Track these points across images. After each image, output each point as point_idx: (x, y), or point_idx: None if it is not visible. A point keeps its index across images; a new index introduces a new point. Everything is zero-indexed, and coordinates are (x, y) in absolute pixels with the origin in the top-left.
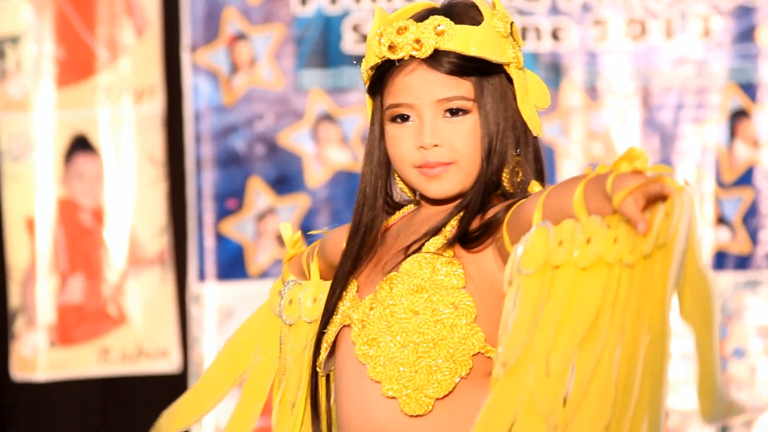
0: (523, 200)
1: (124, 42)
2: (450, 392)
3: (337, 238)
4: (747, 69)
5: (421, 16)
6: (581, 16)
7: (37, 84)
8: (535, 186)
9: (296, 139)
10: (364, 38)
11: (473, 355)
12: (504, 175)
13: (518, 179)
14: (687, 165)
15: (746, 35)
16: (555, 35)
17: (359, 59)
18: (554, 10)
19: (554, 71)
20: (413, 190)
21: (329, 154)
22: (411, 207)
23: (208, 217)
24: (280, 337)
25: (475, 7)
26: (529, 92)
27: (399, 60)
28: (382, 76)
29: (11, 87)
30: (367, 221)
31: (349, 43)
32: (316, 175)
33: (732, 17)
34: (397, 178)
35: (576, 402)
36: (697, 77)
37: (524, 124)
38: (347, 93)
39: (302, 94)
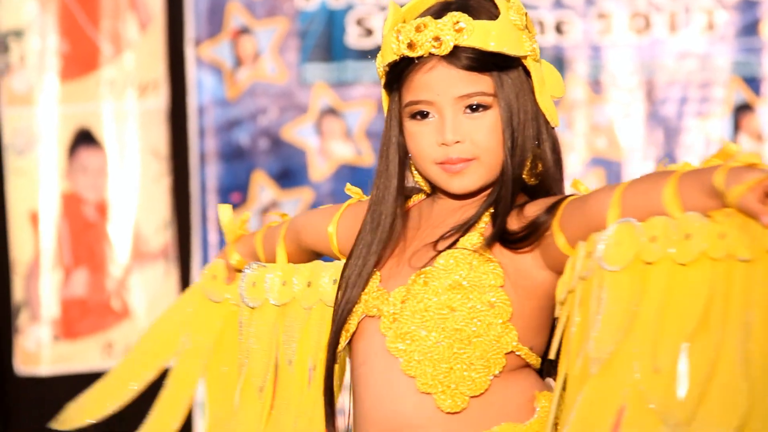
0: (573, 197)
1: (127, 36)
2: (485, 390)
3: (316, 224)
4: (751, 63)
5: (438, 12)
6: (585, 9)
7: (41, 78)
8: (579, 185)
9: (300, 133)
10: (368, 32)
11: (506, 354)
12: (525, 168)
13: (538, 171)
14: (691, 159)
15: (750, 29)
16: (559, 29)
17: (374, 53)
18: (558, 4)
19: (558, 65)
20: (430, 184)
21: (333, 148)
22: (421, 195)
23: (212, 211)
24: (240, 320)
25: (491, 1)
26: (546, 82)
27: (418, 57)
28: (401, 73)
29: (15, 81)
30: (386, 216)
31: (352, 37)
32: (319, 169)
33: (736, 11)
34: (415, 173)
35: (696, 398)
36: (701, 71)
37: (542, 115)
38: (351, 87)
39: (306, 87)
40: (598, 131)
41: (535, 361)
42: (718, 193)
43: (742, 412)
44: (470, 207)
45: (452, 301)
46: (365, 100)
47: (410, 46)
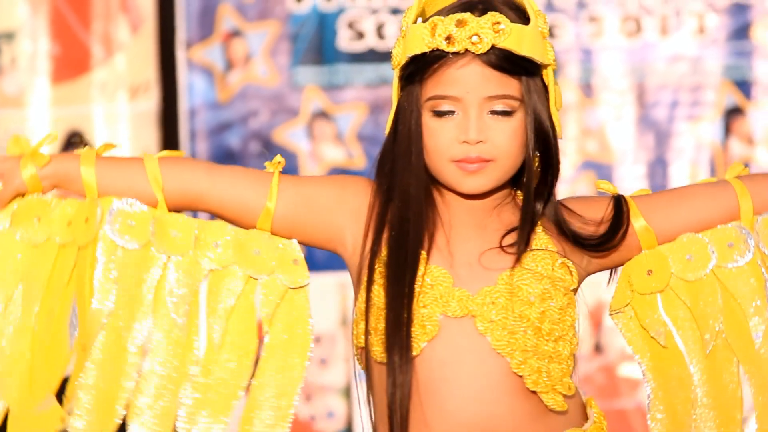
0: (636, 198)
1: (119, 39)
2: (575, 393)
3: (239, 194)
4: (742, 66)
5: (465, 9)
6: (576, 12)
7: (32, 80)
8: (603, 184)
9: (291, 136)
10: (360, 35)
11: (574, 355)
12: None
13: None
14: (682, 162)
15: (741, 32)
16: (550, 32)
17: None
18: (549, 7)
19: None
20: (440, 181)
21: (324, 151)
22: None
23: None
24: (99, 255)
25: (517, 4)
26: (556, 94)
27: (454, 53)
28: (428, 65)
29: (6, 83)
30: (416, 212)
31: (344, 40)
32: (311, 172)
33: (727, 14)
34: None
35: None
36: (692, 74)
37: (554, 125)
38: (342, 90)
39: (297, 91)
40: (589, 134)
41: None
42: None
43: None
44: (504, 208)
45: (544, 303)
46: (356, 104)
47: (448, 39)
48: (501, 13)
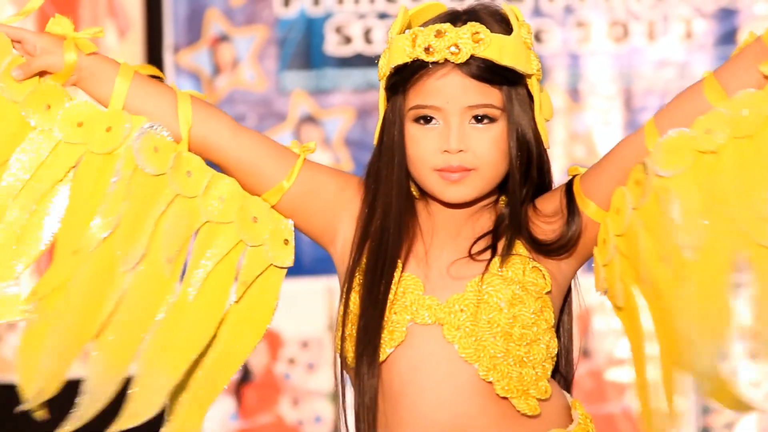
0: (578, 174)
1: (106, 43)
2: (550, 396)
3: (263, 163)
4: None
5: (452, 20)
6: (564, 17)
7: None
8: (578, 168)
9: (279, 141)
10: (347, 40)
11: (551, 358)
12: (531, 182)
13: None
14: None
15: (728, 38)
16: (537, 37)
17: (378, 58)
18: (537, 12)
19: None
20: (420, 190)
21: (312, 156)
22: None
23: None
24: (118, 169)
25: (503, 15)
26: (542, 103)
27: (433, 63)
28: (410, 76)
29: None
30: (401, 214)
31: (331, 45)
32: None
33: (714, 19)
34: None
35: None
36: (680, 79)
37: (539, 135)
38: (330, 95)
39: (285, 95)
40: (576, 139)
41: (553, 366)
42: (766, 52)
43: None
44: (481, 214)
45: (514, 308)
46: (344, 108)
47: (427, 50)
48: (483, 23)
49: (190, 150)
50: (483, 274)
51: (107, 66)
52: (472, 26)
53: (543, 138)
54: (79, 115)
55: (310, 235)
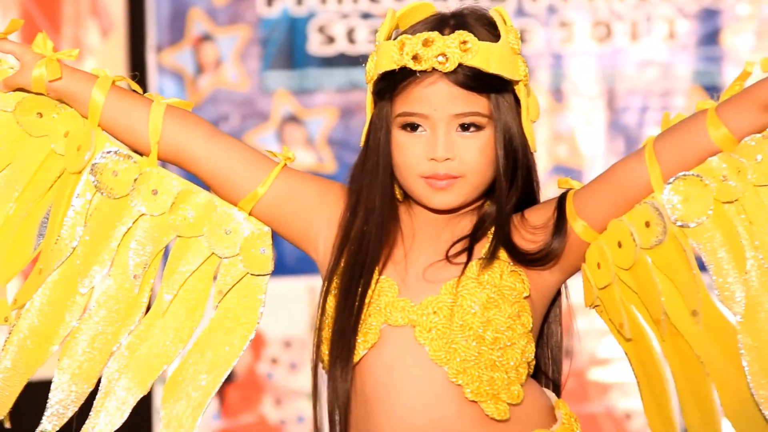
0: (572, 190)
1: (89, 42)
2: (522, 401)
3: (235, 170)
4: (711, 72)
5: (437, 26)
6: (547, 18)
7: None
8: (570, 181)
9: (262, 141)
10: (330, 40)
11: (528, 363)
12: (517, 189)
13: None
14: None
15: (711, 38)
16: (520, 37)
17: (365, 59)
18: (520, 12)
19: None
20: (405, 195)
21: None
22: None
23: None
24: (78, 194)
25: (490, 20)
26: (529, 107)
27: (420, 71)
28: (397, 83)
29: None
30: (382, 218)
31: (314, 45)
32: None
33: (697, 20)
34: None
35: None
36: (662, 80)
37: (525, 139)
38: (313, 94)
39: (268, 95)
40: (559, 139)
41: (533, 370)
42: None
43: None
44: (461, 218)
45: (488, 311)
46: (327, 108)
47: (415, 58)
48: (471, 30)
49: (164, 160)
50: (459, 277)
51: (84, 83)
52: (460, 35)
53: (530, 142)
54: (66, 123)
55: (291, 241)
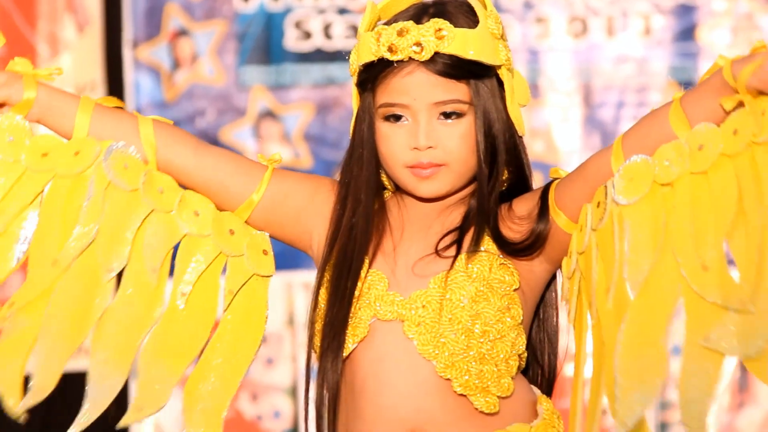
0: (557, 180)
1: (65, 38)
2: (511, 393)
3: (229, 181)
4: (687, 67)
5: (417, 15)
6: (523, 13)
7: None
8: (559, 170)
9: (238, 136)
10: (307, 35)
11: (518, 355)
12: (501, 175)
13: (504, 178)
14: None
15: (686, 34)
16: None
17: (342, 54)
18: (496, 7)
19: None
20: (395, 185)
21: (271, 151)
22: (389, 193)
23: None
24: (91, 183)
25: (469, 7)
26: (515, 91)
27: (398, 61)
28: (377, 74)
29: None
30: (368, 211)
31: (291, 40)
32: None
33: (672, 15)
34: (381, 172)
35: (753, 277)
36: (638, 75)
37: (511, 123)
38: (289, 90)
39: (244, 90)
40: (535, 135)
41: (524, 362)
42: (729, 88)
43: None
44: (452, 209)
45: (477, 305)
46: (303, 103)
47: (390, 49)
48: (448, 18)
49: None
50: (448, 271)
51: (67, 100)
52: (435, 23)
53: (517, 125)
54: (44, 146)
55: (287, 242)
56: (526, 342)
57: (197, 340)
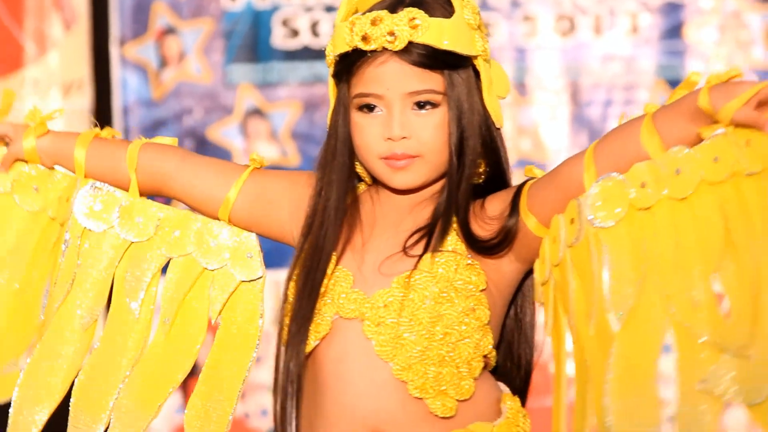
0: (531, 181)
1: (52, 36)
2: (471, 396)
3: (205, 183)
4: (675, 66)
5: (393, 5)
6: (510, 11)
7: None
8: (534, 170)
9: (225, 134)
10: (294, 33)
11: (483, 356)
12: (475, 167)
13: (483, 170)
14: None
15: (674, 32)
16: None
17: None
18: (483, 6)
19: None
20: (372, 177)
21: (258, 149)
22: (364, 185)
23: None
24: (66, 237)
25: None
26: (493, 82)
27: (371, 51)
28: (351, 64)
29: None
30: (338, 205)
31: (278, 38)
32: None
33: (660, 14)
34: (358, 164)
35: (749, 318)
36: (626, 74)
37: (488, 115)
38: (276, 88)
39: (231, 88)
40: (523, 133)
41: (494, 361)
42: (705, 115)
43: None
44: (424, 206)
45: (440, 306)
46: (291, 101)
47: (364, 38)
48: (423, 8)
49: (144, 192)
50: (411, 271)
51: (68, 140)
52: (409, 12)
53: (495, 117)
54: (60, 189)
55: (272, 238)
56: (496, 341)
57: (179, 369)
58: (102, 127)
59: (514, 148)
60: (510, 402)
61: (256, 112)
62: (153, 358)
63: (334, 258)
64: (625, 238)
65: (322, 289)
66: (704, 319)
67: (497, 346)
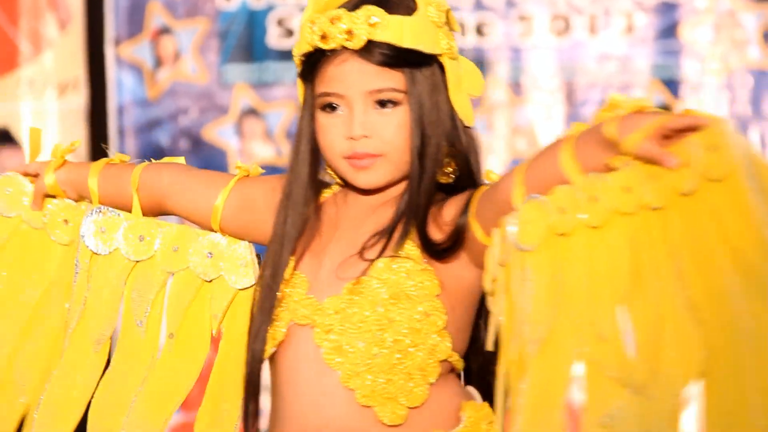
0: (484, 187)
1: (47, 35)
2: (425, 401)
3: (195, 195)
4: (670, 65)
5: (355, 4)
6: (506, 11)
7: None
8: (491, 174)
9: (221, 134)
10: (289, 33)
11: (440, 362)
12: (438, 167)
13: (450, 170)
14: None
15: (669, 31)
16: (479, 30)
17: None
18: (479, 6)
19: (478, 67)
20: (341, 178)
21: (254, 149)
22: (336, 187)
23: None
24: (77, 261)
25: None
26: (463, 81)
27: (331, 50)
28: (314, 64)
29: None
30: (299, 208)
31: (273, 38)
32: None
33: (655, 13)
34: (326, 165)
35: (651, 355)
36: (621, 73)
37: (455, 114)
38: (272, 87)
39: (227, 88)
40: (518, 133)
41: (460, 365)
42: (613, 145)
43: (701, 357)
44: (387, 208)
45: (390, 313)
46: (286, 101)
47: (323, 37)
48: (383, 6)
49: (147, 211)
50: (358, 277)
51: (82, 171)
52: (367, 10)
53: (463, 116)
54: (101, 223)
55: (263, 244)
56: (463, 344)
57: (185, 383)
58: (98, 128)
59: (509, 147)
60: (470, 411)
61: (252, 112)
62: (160, 374)
63: (292, 263)
64: (545, 263)
65: (279, 295)
66: (610, 352)
67: (474, 349)
